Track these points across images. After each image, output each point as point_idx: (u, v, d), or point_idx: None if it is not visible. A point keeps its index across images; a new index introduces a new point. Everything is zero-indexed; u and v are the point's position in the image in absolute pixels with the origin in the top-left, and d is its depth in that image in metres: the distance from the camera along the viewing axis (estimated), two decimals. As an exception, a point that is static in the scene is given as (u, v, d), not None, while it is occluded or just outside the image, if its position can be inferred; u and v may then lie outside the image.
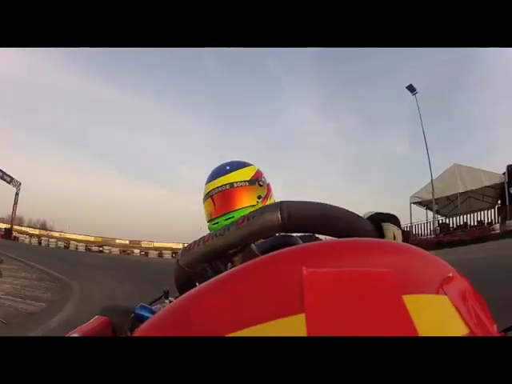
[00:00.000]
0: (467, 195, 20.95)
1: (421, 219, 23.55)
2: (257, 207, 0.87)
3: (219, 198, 0.90)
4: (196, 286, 0.53)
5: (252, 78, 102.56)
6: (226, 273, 0.28)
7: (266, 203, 0.91)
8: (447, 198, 21.32)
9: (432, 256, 0.30)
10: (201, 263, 0.44)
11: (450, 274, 0.28)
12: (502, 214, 19.63)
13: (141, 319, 0.55)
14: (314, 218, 0.39)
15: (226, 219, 0.87)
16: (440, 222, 23.64)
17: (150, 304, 0.70)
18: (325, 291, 0.24)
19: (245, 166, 0.95)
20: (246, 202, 0.90)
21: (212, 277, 0.28)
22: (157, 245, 38.93)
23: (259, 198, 0.91)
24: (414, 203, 22.85)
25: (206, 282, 0.28)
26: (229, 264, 0.86)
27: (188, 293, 0.28)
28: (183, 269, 0.44)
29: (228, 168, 0.93)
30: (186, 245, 0.46)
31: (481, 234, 18.60)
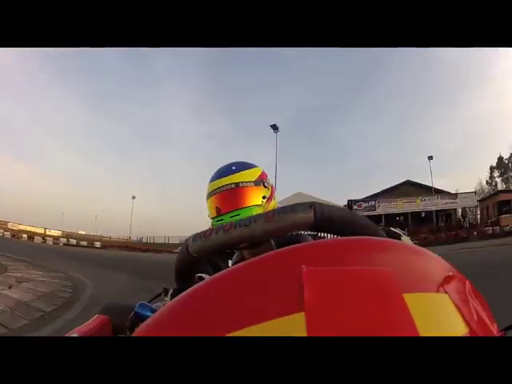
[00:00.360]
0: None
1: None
2: (262, 207, 0.90)
3: (225, 196, 0.92)
4: (195, 277, 0.51)
5: (135, 70, 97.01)
6: (225, 271, 0.28)
7: (271, 204, 0.94)
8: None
9: (432, 255, 0.30)
10: (215, 252, 0.44)
11: (451, 273, 0.28)
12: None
13: (141, 318, 0.55)
14: (342, 221, 0.41)
15: (231, 217, 0.89)
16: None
17: (149, 301, 0.71)
18: (325, 290, 0.24)
19: (251, 168, 0.97)
20: (252, 201, 0.92)
21: (211, 273, 0.28)
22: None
23: (264, 198, 0.93)
24: None
25: (205, 281, 0.28)
26: (229, 261, 0.86)
27: (187, 291, 0.28)
28: (191, 255, 0.44)
29: (234, 168, 0.95)
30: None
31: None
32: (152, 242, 39.70)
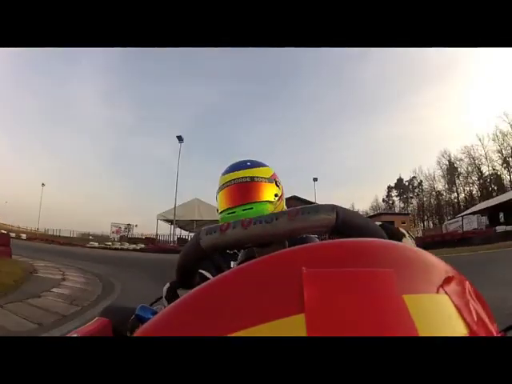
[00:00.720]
0: (204, 222, 27.08)
1: (166, 232, 32.28)
2: (274, 204, 0.90)
3: (239, 189, 0.92)
4: (197, 273, 0.51)
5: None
6: (227, 272, 0.28)
7: (280, 204, 0.95)
8: (191, 220, 28.79)
9: (432, 256, 0.30)
10: (230, 248, 0.43)
11: (451, 274, 0.28)
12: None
13: (142, 320, 0.55)
14: (358, 226, 0.42)
15: (244, 209, 0.89)
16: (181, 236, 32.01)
17: (150, 305, 0.70)
18: (325, 291, 0.24)
19: (264, 166, 0.98)
20: (265, 196, 0.92)
21: (213, 273, 0.28)
22: None
23: (276, 196, 0.93)
24: (161, 220, 30.59)
25: (207, 282, 0.28)
26: (232, 262, 0.85)
27: (189, 293, 0.28)
28: (202, 250, 0.42)
29: (249, 164, 0.96)
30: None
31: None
32: (58, 234, 37.83)
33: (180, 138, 28.57)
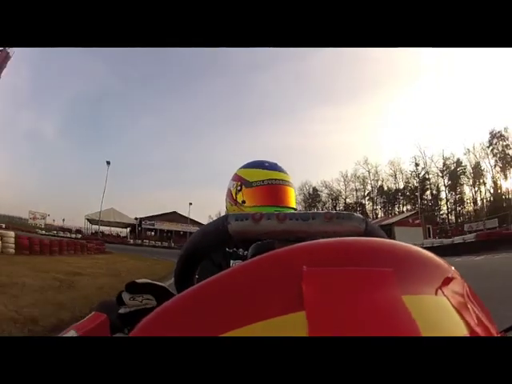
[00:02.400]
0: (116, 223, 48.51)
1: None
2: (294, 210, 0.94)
3: (278, 190, 0.94)
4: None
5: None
6: (226, 271, 0.28)
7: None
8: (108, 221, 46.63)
9: (431, 256, 0.30)
10: (258, 238, 0.43)
11: (450, 275, 0.28)
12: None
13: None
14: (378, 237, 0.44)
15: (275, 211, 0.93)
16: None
17: None
18: (325, 290, 0.24)
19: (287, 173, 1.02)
20: (294, 202, 0.97)
21: (213, 272, 0.28)
22: None
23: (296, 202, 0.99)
24: (87, 219, 46.34)
25: (205, 280, 0.28)
26: (232, 261, 0.87)
27: (185, 291, 0.28)
28: (228, 234, 0.42)
29: (281, 167, 0.99)
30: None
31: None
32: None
33: (108, 162, 41.45)
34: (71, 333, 0.60)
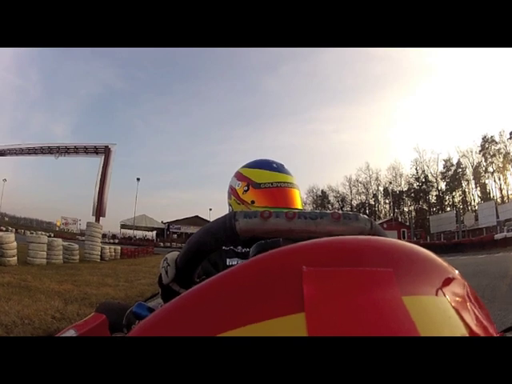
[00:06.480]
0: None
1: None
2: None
3: (287, 193, 0.95)
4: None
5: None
6: (226, 271, 0.28)
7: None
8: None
9: (432, 256, 0.30)
10: (266, 236, 0.43)
11: (450, 276, 0.28)
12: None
13: (138, 317, 0.54)
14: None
15: None
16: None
17: (145, 300, 0.72)
18: (325, 290, 0.24)
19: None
20: (300, 204, 0.98)
21: (209, 270, 0.28)
22: None
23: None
24: (122, 226, 49.76)
25: (205, 281, 0.28)
26: (227, 259, 0.88)
27: (187, 292, 0.28)
28: (234, 232, 0.41)
29: (288, 170, 1.00)
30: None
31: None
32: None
33: (138, 179, 45.61)
34: (70, 332, 0.63)
